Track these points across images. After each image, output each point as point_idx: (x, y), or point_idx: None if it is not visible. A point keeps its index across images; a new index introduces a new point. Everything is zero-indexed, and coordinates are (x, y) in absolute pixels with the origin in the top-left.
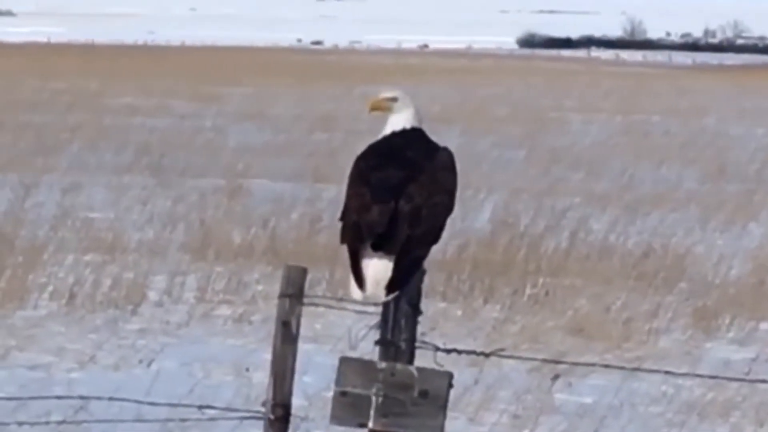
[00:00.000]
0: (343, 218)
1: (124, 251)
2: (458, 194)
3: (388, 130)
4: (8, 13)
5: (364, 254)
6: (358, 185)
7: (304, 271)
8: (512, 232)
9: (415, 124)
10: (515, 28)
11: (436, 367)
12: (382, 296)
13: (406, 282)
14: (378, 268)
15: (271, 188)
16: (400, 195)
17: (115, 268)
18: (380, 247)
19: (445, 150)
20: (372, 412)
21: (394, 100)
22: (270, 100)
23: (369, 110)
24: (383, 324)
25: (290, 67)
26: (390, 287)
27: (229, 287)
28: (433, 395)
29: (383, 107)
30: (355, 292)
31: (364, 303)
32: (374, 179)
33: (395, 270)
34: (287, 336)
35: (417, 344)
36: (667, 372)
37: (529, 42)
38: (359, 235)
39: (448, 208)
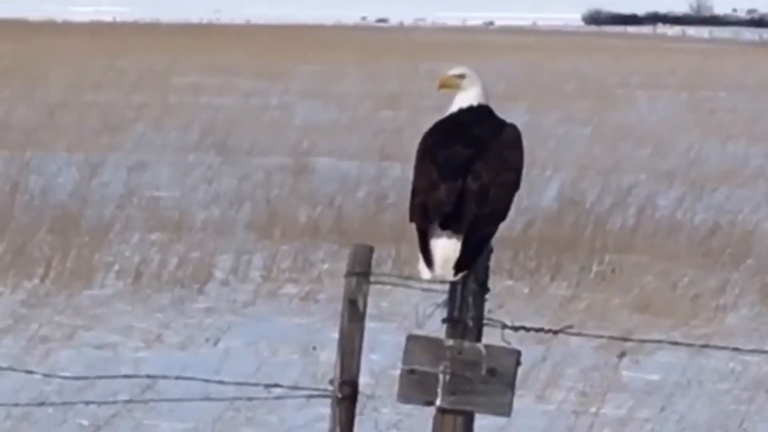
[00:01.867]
0: (411, 196)
1: (190, 230)
2: (524, 172)
3: (455, 108)
4: None
5: (432, 234)
6: (425, 163)
7: (370, 250)
8: (578, 209)
9: (482, 101)
10: (581, 5)
11: (504, 345)
12: (450, 276)
13: (474, 261)
14: (446, 248)
15: (337, 167)
16: (467, 173)
17: (181, 247)
18: (448, 226)
19: (512, 126)
20: (439, 390)
21: (462, 77)
22: (335, 78)
23: (438, 88)
24: (450, 302)
25: (355, 45)
26: (458, 266)
27: (295, 266)
28: (501, 373)
29: (452, 84)
30: (424, 272)
31: (431, 282)
32: (441, 157)
33: (463, 249)
34: (354, 314)
35: (484, 322)
36: (734, 349)
37: (595, 18)
38: (427, 214)
39: (515, 186)
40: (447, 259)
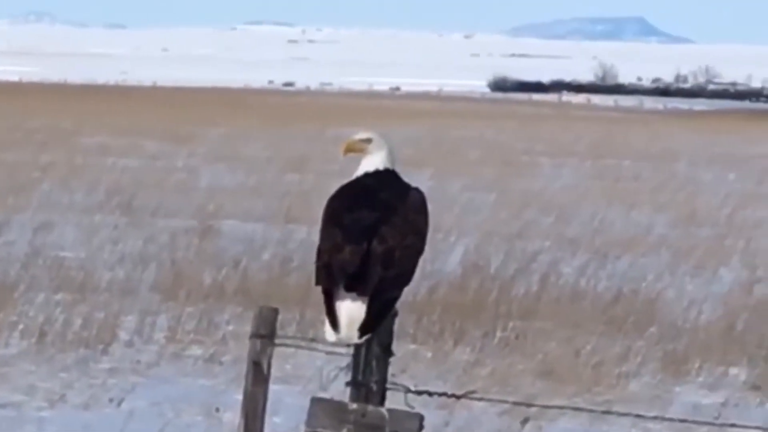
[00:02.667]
0: (317, 259)
1: (94, 291)
2: (429, 237)
3: (360, 171)
4: None
5: (337, 296)
6: (331, 226)
7: (275, 312)
8: (483, 274)
9: (388, 166)
10: (487, 72)
11: (407, 409)
12: (355, 338)
13: (379, 323)
14: (351, 310)
15: (243, 229)
16: (372, 236)
17: (85, 308)
18: (353, 288)
19: (417, 190)
20: None
21: (368, 141)
22: (242, 142)
23: (343, 152)
24: (354, 365)
25: (262, 109)
26: (363, 329)
27: (200, 327)
28: None
29: (358, 148)
30: (329, 334)
31: (336, 344)
32: (347, 220)
33: (368, 312)
34: (258, 376)
35: (388, 386)
36: (636, 415)
37: (501, 86)
38: (332, 276)
39: (420, 250)
40: (352, 321)
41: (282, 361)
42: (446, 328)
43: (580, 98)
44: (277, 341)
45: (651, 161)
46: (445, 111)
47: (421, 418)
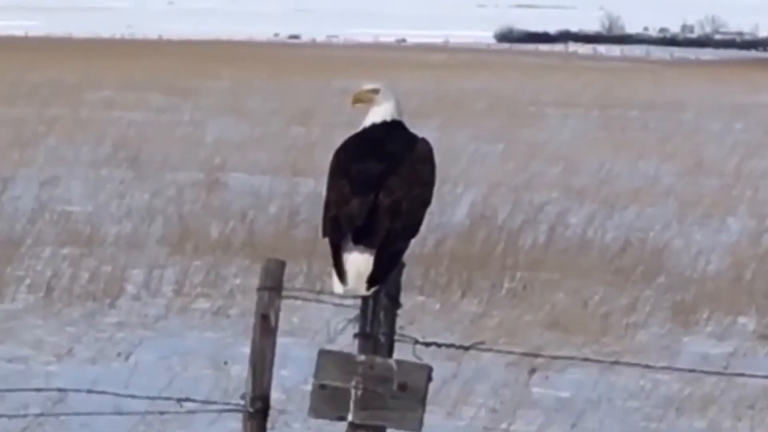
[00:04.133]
0: (324, 211)
1: (101, 245)
2: (436, 189)
3: (368, 123)
4: None
5: (345, 248)
6: (338, 178)
7: (282, 264)
8: (490, 226)
9: (396, 117)
10: (493, 23)
11: (415, 361)
12: (363, 290)
13: (386, 275)
14: (359, 262)
15: (249, 182)
16: (379, 188)
17: (92, 262)
18: (360, 240)
19: (424, 141)
20: (351, 405)
21: (376, 91)
22: (247, 95)
23: (352, 103)
24: (362, 317)
25: (267, 61)
26: (371, 281)
27: (207, 281)
28: (412, 388)
29: (365, 99)
30: (337, 286)
31: (344, 297)
32: (354, 172)
33: (376, 263)
34: (266, 329)
35: (396, 337)
36: (645, 366)
37: (507, 36)
38: (339, 228)
39: (428, 201)
40: (360, 273)
41: (289, 314)
42: (454, 279)
43: (586, 48)
44: (284, 294)
45: (658, 111)
46: (452, 62)
47: (429, 369)
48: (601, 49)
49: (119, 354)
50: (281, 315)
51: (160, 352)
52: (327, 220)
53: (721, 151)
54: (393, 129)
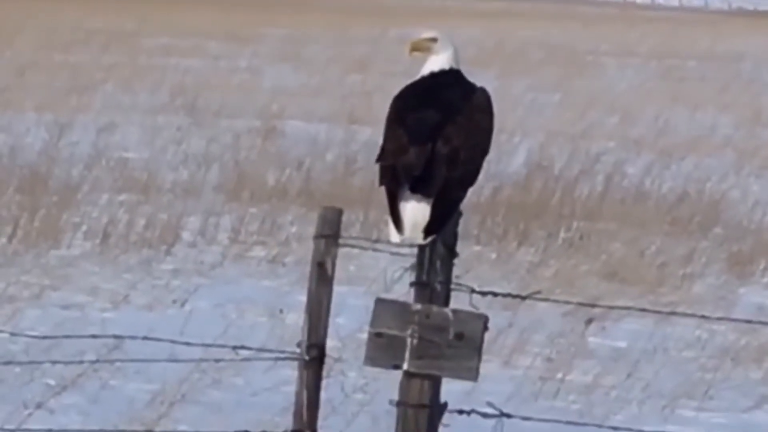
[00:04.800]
0: (380, 160)
1: (158, 191)
2: (493, 137)
3: (425, 71)
4: None
5: (401, 197)
6: (395, 126)
7: (339, 212)
8: (547, 175)
9: (454, 66)
10: None
11: (472, 310)
12: (420, 239)
13: (444, 225)
14: (416, 211)
15: (306, 130)
16: (437, 137)
17: (149, 209)
18: (418, 189)
19: (482, 90)
20: (407, 354)
21: (434, 40)
22: (304, 42)
23: (409, 51)
24: (418, 266)
25: (324, 9)
26: (428, 230)
27: (263, 229)
28: (468, 337)
29: (423, 48)
30: (393, 235)
31: (400, 245)
32: (411, 120)
33: (433, 212)
34: (322, 277)
35: (452, 286)
36: (701, 316)
37: None
38: (396, 177)
39: (485, 150)
40: (416, 222)
41: (345, 263)
42: (510, 229)
43: None
44: (341, 242)
45: (716, 62)
46: (509, 11)
47: (485, 318)
48: None
49: (175, 301)
50: (337, 263)
51: (215, 300)
52: (384, 168)
53: None
54: (451, 78)
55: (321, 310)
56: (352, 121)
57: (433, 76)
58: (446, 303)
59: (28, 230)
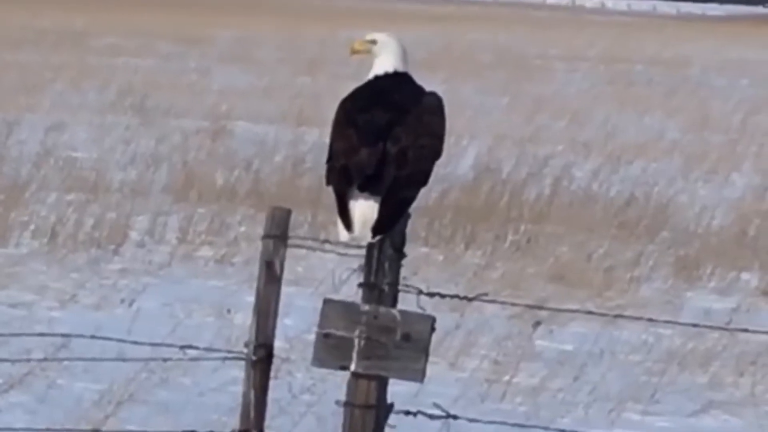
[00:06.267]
0: (330, 160)
1: (106, 191)
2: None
3: (373, 74)
4: None
5: (351, 196)
6: (345, 127)
7: (288, 213)
8: (495, 178)
9: (400, 68)
10: None
11: (419, 311)
12: (368, 237)
13: (393, 223)
14: (365, 209)
15: (255, 131)
16: (387, 137)
17: (97, 208)
18: (367, 188)
19: (433, 94)
20: (354, 355)
21: (374, 42)
22: (254, 43)
23: (350, 53)
24: (367, 267)
25: (274, 10)
26: (377, 229)
27: (212, 228)
28: (415, 339)
29: (363, 50)
30: (342, 234)
31: (348, 245)
32: (361, 121)
33: (382, 211)
34: (271, 277)
35: (400, 288)
36: (648, 320)
37: None
38: (348, 177)
39: (436, 152)
40: (365, 220)
41: (294, 264)
42: (458, 231)
43: (593, 2)
44: (289, 242)
45: (664, 66)
46: (458, 14)
47: (432, 320)
48: (608, 3)
49: (123, 300)
50: (286, 264)
51: (163, 299)
52: (334, 168)
53: (726, 106)
54: (399, 80)
55: (269, 311)
56: (300, 122)
57: (380, 79)
58: (394, 304)
59: None
